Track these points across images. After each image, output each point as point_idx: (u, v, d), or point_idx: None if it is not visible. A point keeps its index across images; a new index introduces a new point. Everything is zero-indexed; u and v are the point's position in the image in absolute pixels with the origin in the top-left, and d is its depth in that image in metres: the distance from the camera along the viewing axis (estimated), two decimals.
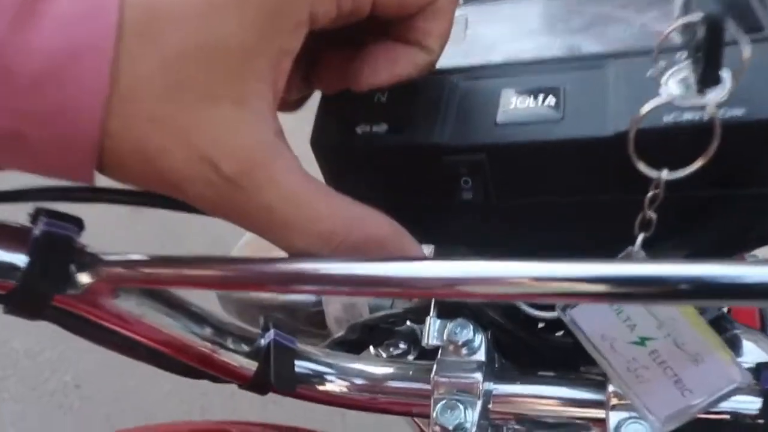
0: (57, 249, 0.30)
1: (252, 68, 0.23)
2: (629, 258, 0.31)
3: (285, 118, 0.28)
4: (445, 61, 0.37)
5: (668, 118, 0.28)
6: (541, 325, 0.39)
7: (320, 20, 0.25)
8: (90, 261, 0.31)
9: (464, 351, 0.36)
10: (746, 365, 0.39)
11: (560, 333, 0.40)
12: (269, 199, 0.24)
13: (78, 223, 0.31)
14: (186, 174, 0.23)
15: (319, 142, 0.33)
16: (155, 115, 0.22)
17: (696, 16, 0.26)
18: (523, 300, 0.29)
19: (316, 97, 0.35)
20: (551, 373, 0.37)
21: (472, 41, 0.38)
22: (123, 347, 0.36)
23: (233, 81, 0.23)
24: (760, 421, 0.33)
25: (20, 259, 0.30)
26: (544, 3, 0.40)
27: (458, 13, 0.39)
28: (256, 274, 0.28)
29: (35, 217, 0.31)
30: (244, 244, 0.62)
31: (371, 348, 0.44)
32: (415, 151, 0.32)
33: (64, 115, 0.22)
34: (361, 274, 0.25)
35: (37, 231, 0.30)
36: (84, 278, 0.31)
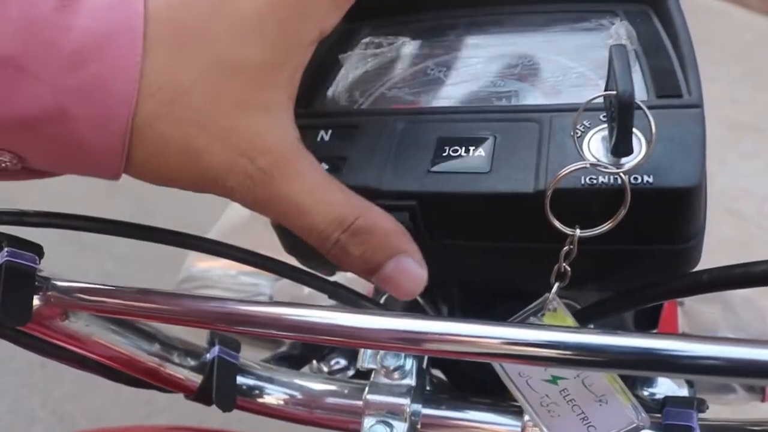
0: (19, 283, 0.31)
1: (274, 82, 0.28)
2: (545, 305, 0.33)
3: None
4: (388, 101, 0.38)
5: (585, 181, 0.30)
6: None
7: (326, 34, 0.30)
8: (41, 286, 0.32)
9: (396, 375, 0.38)
10: (658, 396, 0.42)
11: None
12: (296, 188, 0.28)
13: (38, 251, 0.33)
14: (228, 168, 0.27)
15: None
16: (200, 120, 0.26)
17: (610, 93, 0.28)
18: (455, 357, 0.32)
19: None
20: (481, 399, 0.40)
21: (417, 81, 0.39)
22: (72, 361, 0.38)
23: (260, 92, 0.27)
24: None
25: None
26: (496, 44, 0.41)
27: (407, 49, 0.41)
28: (199, 312, 0.30)
29: None
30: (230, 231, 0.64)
31: (314, 362, 0.46)
32: None
33: (100, 87, 0.25)
34: (310, 321, 0.28)
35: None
36: (35, 302, 0.33)
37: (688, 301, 0.54)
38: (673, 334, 0.25)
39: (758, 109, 2.17)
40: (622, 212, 0.29)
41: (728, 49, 2.46)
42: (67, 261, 1.60)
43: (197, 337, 0.42)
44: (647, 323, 0.53)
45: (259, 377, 0.41)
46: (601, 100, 0.31)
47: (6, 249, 0.32)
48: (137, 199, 1.80)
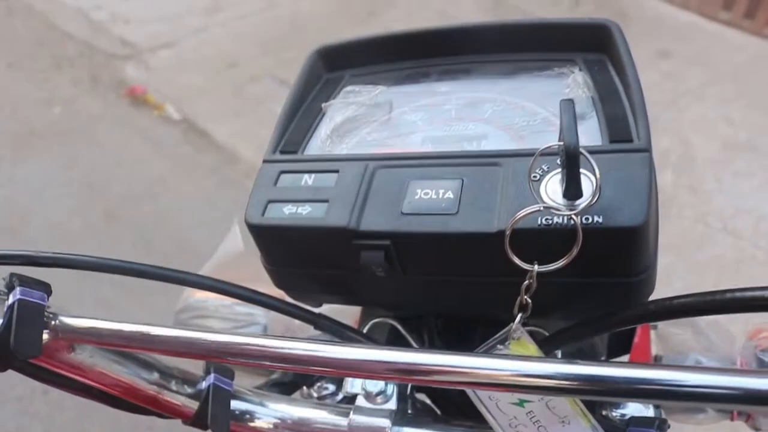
0: (30, 318, 0.35)
1: None
2: (510, 334, 0.36)
3: None
4: (367, 146, 0.42)
5: (541, 221, 0.34)
6: None
7: None
8: (50, 321, 0.36)
9: (378, 399, 0.41)
10: (627, 417, 0.45)
11: None
12: None
13: (47, 289, 0.36)
14: None
15: (252, 220, 0.38)
16: None
17: (559, 144, 0.32)
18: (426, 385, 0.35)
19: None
20: (460, 421, 0.42)
21: (394, 126, 0.43)
22: (78, 390, 0.41)
23: None
24: None
25: None
26: (463, 89, 0.45)
27: (385, 96, 0.45)
28: (196, 345, 0.33)
29: (10, 283, 0.35)
30: (217, 265, 0.66)
31: (304, 388, 0.49)
32: (330, 233, 0.37)
33: None
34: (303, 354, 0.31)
35: (12, 298, 0.35)
36: (44, 336, 0.36)
37: (661, 324, 0.57)
38: (619, 362, 0.28)
39: (752, 129, 2.21)
40: (575, 250, 0.32)
41: (721, 69, 2.51)
42: (68, 290, 1.63)
43: (194, 365, 0.45)
44: (620, 347, 0.56)
45: (251, 403, 0.44)
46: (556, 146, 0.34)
47: (18, 287, 0.35)
48: (136, 228, 1.84)
